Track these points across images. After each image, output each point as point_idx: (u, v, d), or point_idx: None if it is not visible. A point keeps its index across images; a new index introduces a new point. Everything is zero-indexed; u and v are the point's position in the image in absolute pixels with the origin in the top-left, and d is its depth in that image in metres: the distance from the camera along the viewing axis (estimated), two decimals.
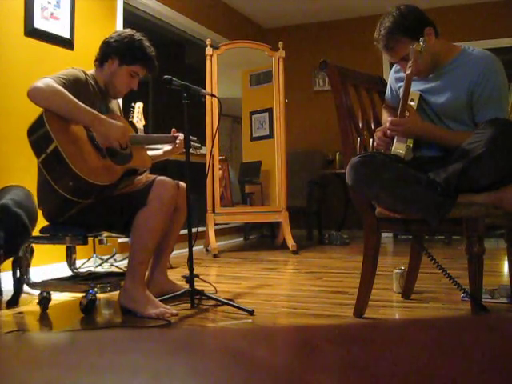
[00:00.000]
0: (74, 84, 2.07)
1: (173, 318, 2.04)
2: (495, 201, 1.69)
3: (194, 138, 2.54)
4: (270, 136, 4.68)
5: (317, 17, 5.97)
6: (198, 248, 4.51)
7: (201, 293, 2.29)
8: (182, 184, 2.33)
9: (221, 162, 4.55)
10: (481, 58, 1.88)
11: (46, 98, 1.95)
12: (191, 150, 2.39)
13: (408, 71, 1.83)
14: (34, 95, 1.94)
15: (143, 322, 2.02)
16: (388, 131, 1.89)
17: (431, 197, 1.73)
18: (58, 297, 2.47)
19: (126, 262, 2.61)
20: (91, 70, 2.28)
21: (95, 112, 2.03)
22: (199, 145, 2.58)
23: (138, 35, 2.27)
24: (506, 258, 2.15)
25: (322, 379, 0.23)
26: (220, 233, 4.95)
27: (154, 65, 2.30)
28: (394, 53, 1.95)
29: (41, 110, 1.99)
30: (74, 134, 2.03)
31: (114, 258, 3.46)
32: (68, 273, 2.54)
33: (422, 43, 1.80)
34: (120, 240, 3.64)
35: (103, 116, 2.06)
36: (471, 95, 1.87)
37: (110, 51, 2.23)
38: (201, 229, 4.17)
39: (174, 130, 2.49)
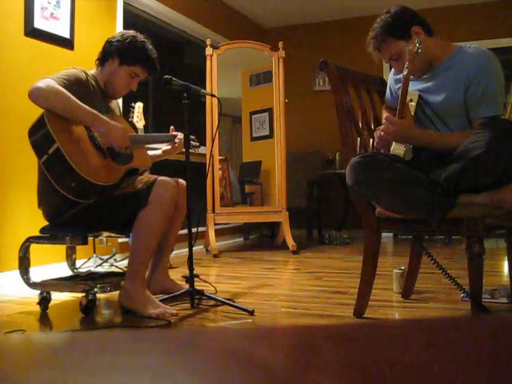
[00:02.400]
0: (75, 84, 2.07)
1: (173, 318, 2.04)
2: (495, 201, 1.69)
3: (193, 137, 2.53)
4: (270, 136, 4.68)
5: (317, 17, 5.97)
6: (198, 248, 4.51)
7: (201, 293, 2.29)
8: (182, 181, 2.32)
9: (221, 161, 4.55)
10: (477, 54, 1.88)
11: (46, 99, 1.95)
12: (190, 149, 2.39)
13: (405, 72, 1.84)
14: (35, 95, 1.94)
15: (143, 321, 2.02)
16: (382, 132, 1.88)
17: (431, 197, 1.73)
18: (58, 297, 2.47)
19: (126, 262, 2.61)
20: (92, 70, 2.28)
21: (96, 112, 2.03)
22: (198, 143, 2.58)
23: (140, 37, 2.27)
24: (506, 257, 2.15)
25: (322, 379, 0.23)
26: (220, 233, 4.95)
27: (155, 67, 2.30)
28: (381, 53, 1.98)
29: (41, 110, 1.99)
30: (75, 134, 2.03)
31: (114, 257, 3.46)
32: (68, 273, 2.54)
33: (417, 44, 1.81)
34: (120, 240, 3.64)
35: (104, 117, 2.06)
36: (467, 90, 1.86)
37: (111, 51, 2.23)
38: (201, 229, 4.17)
39: (172, 127, 2.49)
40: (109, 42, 2.26)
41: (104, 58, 2.25)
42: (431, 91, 1.96)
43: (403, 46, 1.89)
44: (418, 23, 1.92)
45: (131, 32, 2.30)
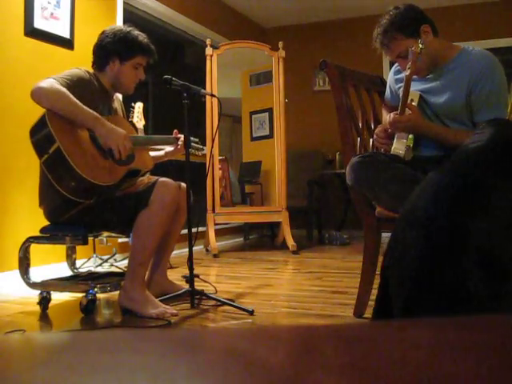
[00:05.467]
0: (78, 84, 2.07)
1: (173, 318, 2.04)
2: None
3: (196, 140, 2.53)
4: (270, 136, 4.68)
5: (317, 17, 5.97)
6: (198, 248, 4.51)
7: (201, 293, 2.29)
8: (183, 185, 2.33)
9: (221, 161, 4.55)
10: (480, 57, 1.88)
11: (48, 99, 1.95)
12: (194, 152, 2.40)
13: (407, 72, 1.84)
14: (37, 95, 1.95)
15: (143, 321, 2.02)
16: (389, 128, 1.89)
17: None
18: (57, 297, 2.47)
19: (126, 262, 2.61)
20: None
21: (98, 115, 2.03)
22: (201, 146, 2.57)
23: (126, 28, 2.27)
24: None
25: (322, 379, 0.23)
26: (220, 233, 4.95)
27: (153, 50, 2.31)
28: (389, 50, 1.97)
29: (42, 110, 1.99)
30: (76, 134, 2.04)
31: (114, 257, 3.46)
32: (68, 273, 2.54)
33: (420, 45, 1.81)
34: (120, 240, 3.64)
35: (106, 121, 2.06)
36: (470, 95, 1.87)
37: (106, 53, 2.23)
38: (201, 229, 4.17)
39: (176, 131, 2.50)
40: (99, 47, 2.24)
41: (102, 63, 2.25)
42: (433, 92, 1.97)
43: (412, 43, 1.89)
44: (427, 22, 1.93)
45: (116, 27, 2.29)
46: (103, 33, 2.29)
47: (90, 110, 2.01)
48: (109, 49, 2.22)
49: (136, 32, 2.27)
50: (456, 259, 0.57)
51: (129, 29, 2.27)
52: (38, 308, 2.24)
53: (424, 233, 0.62)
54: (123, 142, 2.07)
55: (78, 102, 1.98)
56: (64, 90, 1.97)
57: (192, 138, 2.44)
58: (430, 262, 0.60)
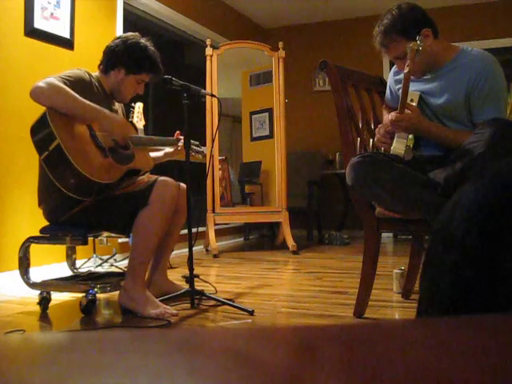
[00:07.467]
0: (78, 84, 2.08)
1: (173, 318, 2.04)
2: None
3: (196, 143, 2.53)
4: (270, 136, 4.68)
5: (317, 17, 5.97)
6: (198, 248, 4.50)
7: (201, 293, 2.29)
8: (183, 185, 2.33)
9: (221, 162, 4.55)
10: (479, 58, 1.88)
11: (48, 96, 1.95)
12: (194, 154, 2.40)
13: (406, 70, 1.84)
14: (37, 94, 1.95)
15: (143, 321, 2.02)
16: (390, 126, 1.89)
17: (431, 197, 1.73)
18: (58, 297, 2.47)
19: (126, 262, 2.61)
20: (96, 72, 2.28)
21: (99, 107, 2.05)
22: (201, 150, 2.57)
23: (142, 42, 2.26)
24: None
25: (322, 379, 0.23)
26: (220, 233, 4.95)
27: (160, 70, 2.32)
28: (388, 51, 1.97)
29: (42, 110, 1.99)
30: (76, 132, 2.04)
31: (114, 257, 3.46)
32: (68, 273, 2.54)
33: (419, 42, 1.81)
34: (120, 240, 3.64)
35: (107, 111, 2.08)
36: (469, 95, 1.87)
37: (115, 61, 2.23)
38: (201, 229, 4.17)
39: (177, 132, 2.50)
40: (111, 51, 2.24)
41: (108, 67, 2.25)
42: (432, 93, 1.96)
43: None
44: (428, 24, 1.92)
45: (132, 37, 2.26)
46: (119, 37, 2.29)
47: (91, 103, 2.03)
48: (119, 57, 2.22)
49: (151, 49, 2.27)
50: (495, 286, 0.53)
51: (146, 43, 2.26)
52: (37, 308, 2.24)
53: (461, 257, 0.58)
54: (127, 130, 2.13)
55: (77, 96, 1.99)
56: (62, 85, 1.98)
57: (192, 141, 2.44)
58: (466, 289, 0.56)
